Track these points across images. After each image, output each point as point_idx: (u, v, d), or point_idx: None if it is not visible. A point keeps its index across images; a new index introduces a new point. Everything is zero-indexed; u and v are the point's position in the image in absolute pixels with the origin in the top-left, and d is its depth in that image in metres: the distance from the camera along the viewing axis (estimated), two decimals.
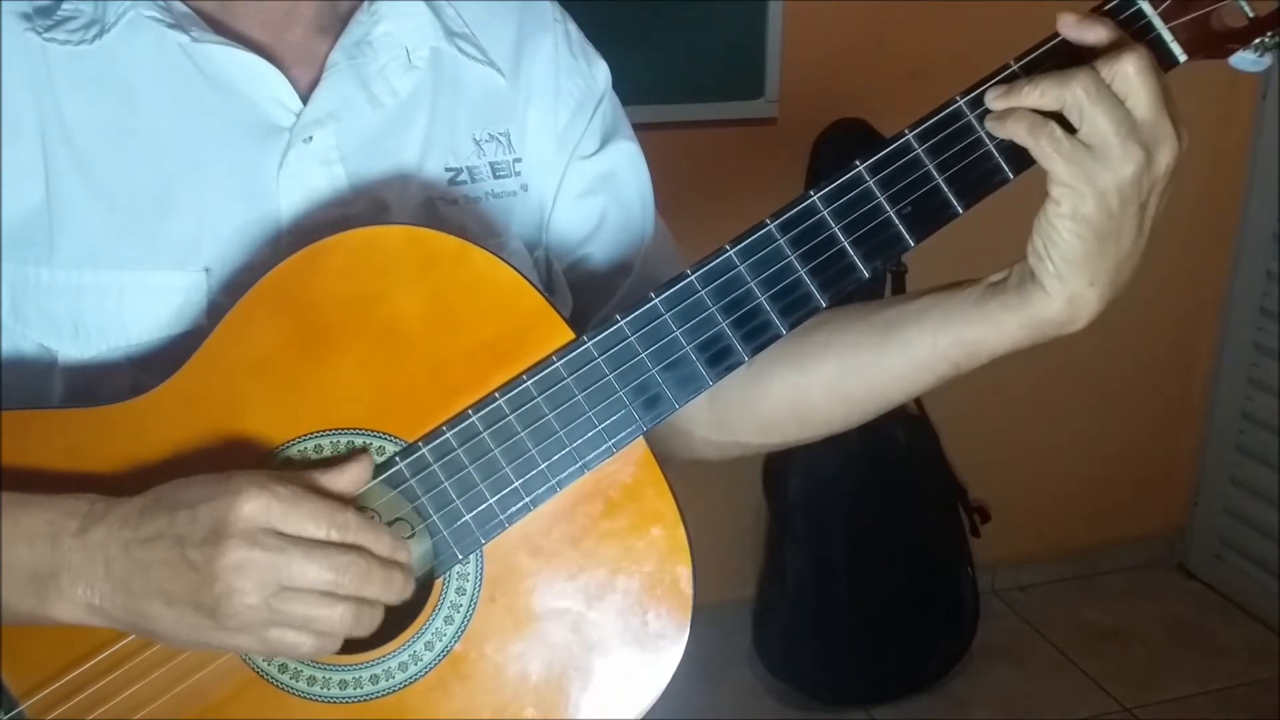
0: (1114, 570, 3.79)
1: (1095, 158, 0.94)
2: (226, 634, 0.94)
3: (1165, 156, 0.96)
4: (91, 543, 0.94)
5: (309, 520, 0.93)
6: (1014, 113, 0.96)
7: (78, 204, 1.04)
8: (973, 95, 0.98)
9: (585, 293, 1.20)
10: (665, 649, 1.03)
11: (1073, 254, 0.98)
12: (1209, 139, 3.36)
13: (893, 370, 1.11)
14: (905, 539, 3.29)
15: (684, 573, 1.03)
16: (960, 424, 3.35)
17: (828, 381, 1.14)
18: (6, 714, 1.00)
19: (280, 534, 0.93)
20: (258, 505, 0.92)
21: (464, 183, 1.15)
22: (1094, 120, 0.93)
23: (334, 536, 0.94)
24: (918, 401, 3.27)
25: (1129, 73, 0.93)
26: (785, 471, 3.26)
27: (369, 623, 0.96)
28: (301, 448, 1.01)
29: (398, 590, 0.97)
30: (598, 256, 1.23)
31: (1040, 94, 0.94)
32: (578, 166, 1.23)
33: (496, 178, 1.17)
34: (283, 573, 0.92)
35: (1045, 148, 0.94)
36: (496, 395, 1.00)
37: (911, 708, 3.27)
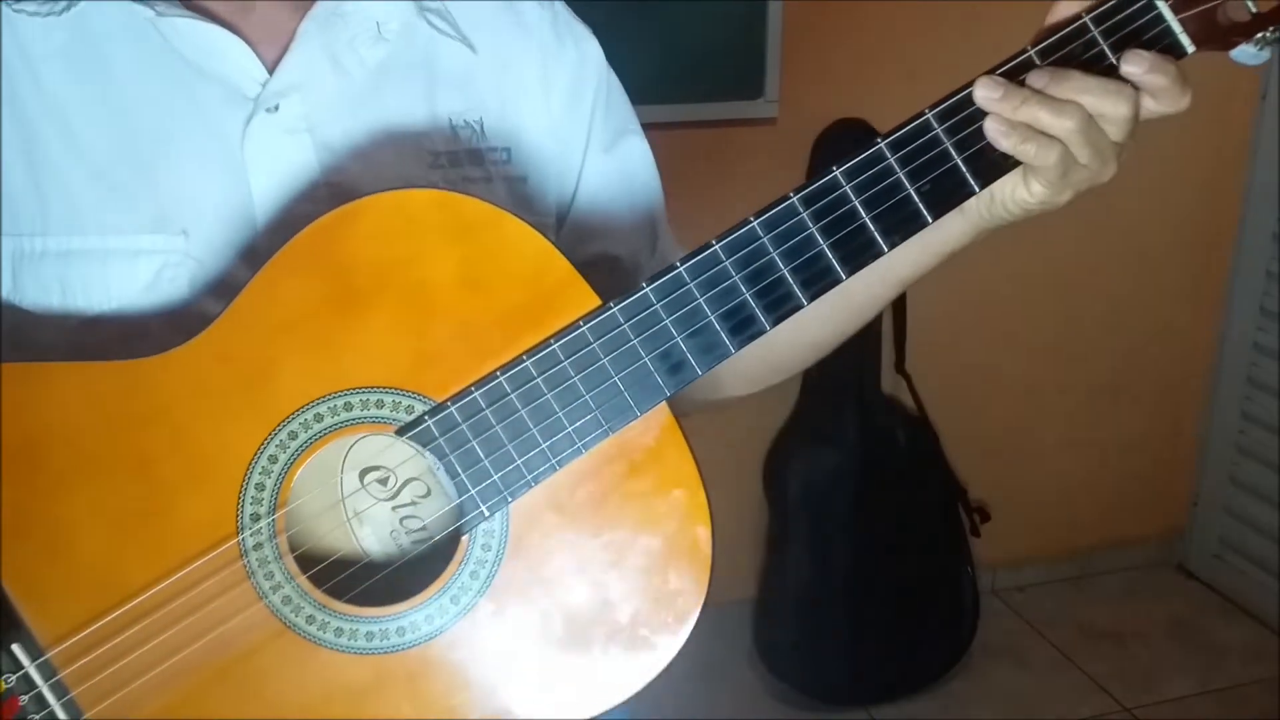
0: (1114, 570, 3.80)
1: (1080, 170, 1.00)
2: None
3: (1125, 155, 1.02)
4: None
5: None
6: (1017, 131, 0.98)
7: (64, 171, 1.07)
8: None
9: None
10: (684, 607, 1.04)
11: (1017, 218, 1.06)
12: (1209, 139, 3.37)
13: (837, 319, 1.21)
14: (905, 539, 3.30)
15: (704, 534, 1.04)
16: (960, 424, 3.37)
17: (789, 334, 1.17)
18: (34, 662, 1.01)
19: None
20: None
21: (443, 166, 1.17)
22: (1083, 152, 0.98)
23: None
24: (918, 401, 3.28)
25: (1122, 115, 0.97)
26: (785, 471, 3.27)
27: None
28: (332, 404, 1.02)
29: None
30: (611, 251, 1.25)
31: (1037, 115, 0.97)
32: (593, 161, 1.25)
33: (471, 164, 1.18)
34: None
35: (1051, 169, 0.99)
36: (524, 358, 1.01)
37: (911, 708, 3.28)
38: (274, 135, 1.10)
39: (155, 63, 1.09)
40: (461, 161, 1.17)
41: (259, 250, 1.10)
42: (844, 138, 3.05)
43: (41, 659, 1.01)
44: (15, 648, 1.01)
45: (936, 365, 3.30)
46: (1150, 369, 3.64)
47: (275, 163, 1.10)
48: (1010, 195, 1.03)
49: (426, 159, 1.15)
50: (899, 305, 3.22)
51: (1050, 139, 0.97)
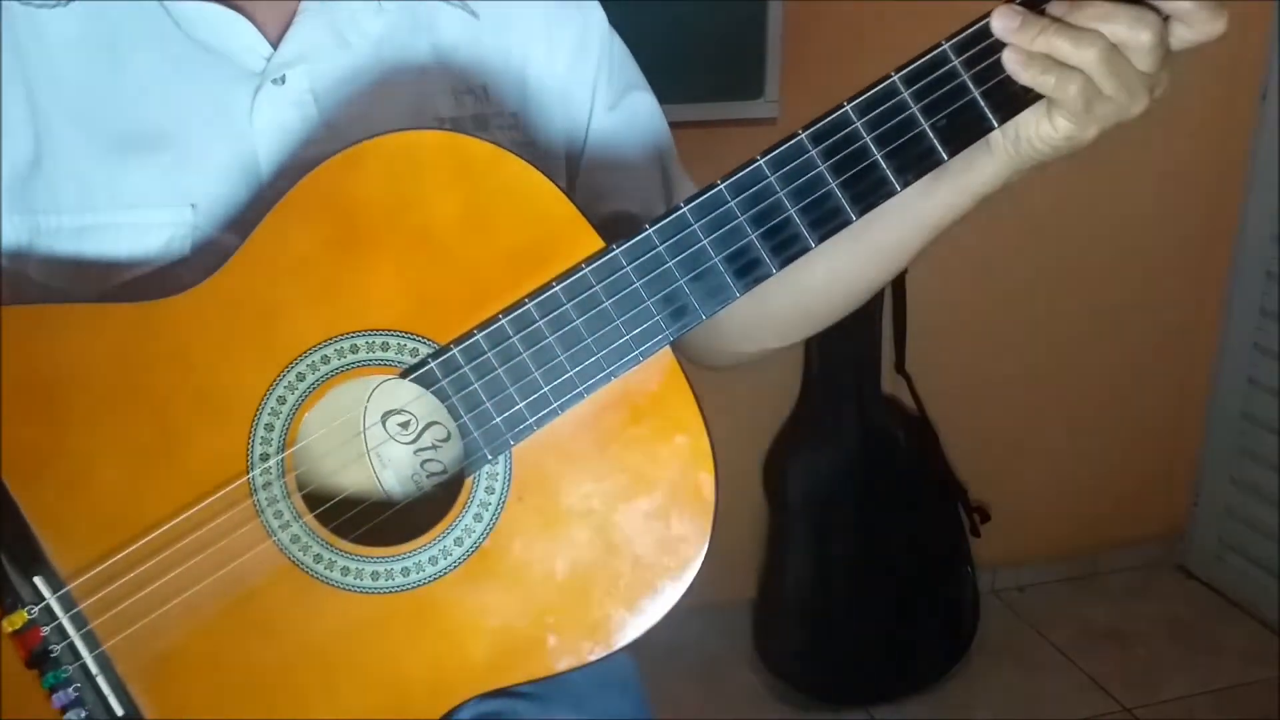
0: (1114, 570, 3.78)
1: (1106, 103, 0.96)
2: None
3: (1159, 90, 0.97)
4: None
5: None
6: (1037, 62, 0.95)
7: (76, 151, 1.09)
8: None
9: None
10: (686, 553, 1.05)
11: (1046, 157, 1.01)
12: (1209, 139, 3.35)
13: (870, 267, 1.17)
14: (905, 539, 3.28)
15: (706, 479, 1.04)
16: (960, 424, 3.36)
17: (822, 284, 1.16)
18: (55, 594, 1.04)
19: None
20: None
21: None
22: (1107, 83, 0.94)
23: None
24: (918, 401, 3.28)
25: (1143, 42, 0.93)
26: (785, 471, 3.26)
27: None
28: (338, 347, 1.03)
29: None
30: (626, 209, 1.25)
31: (1056, 44, 0.94)
32: (599, 120, 1.25)
33: (477, 129, 1.18)
34: None
35: (1073, 101, 0.95)
36: (526, 301, 1.01)
37: (911, 708, 3.26)
38: (281, 107, 1.12)
39: (162, 44, 1.11)
40: (467, 127, 1.18)
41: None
42: None
43: (62, 591, 1.04)
44: (38, 580, 1.04)
45: (937, 365, 3.29)
46: (1150, 369, 3.63)
47: (283, 134, 1.12)
48: (1035, 131, 0.99)
49: (432, 126, 1.16)
50: (899, 306, 3.22)
51: (1071, 70, 0.93)
